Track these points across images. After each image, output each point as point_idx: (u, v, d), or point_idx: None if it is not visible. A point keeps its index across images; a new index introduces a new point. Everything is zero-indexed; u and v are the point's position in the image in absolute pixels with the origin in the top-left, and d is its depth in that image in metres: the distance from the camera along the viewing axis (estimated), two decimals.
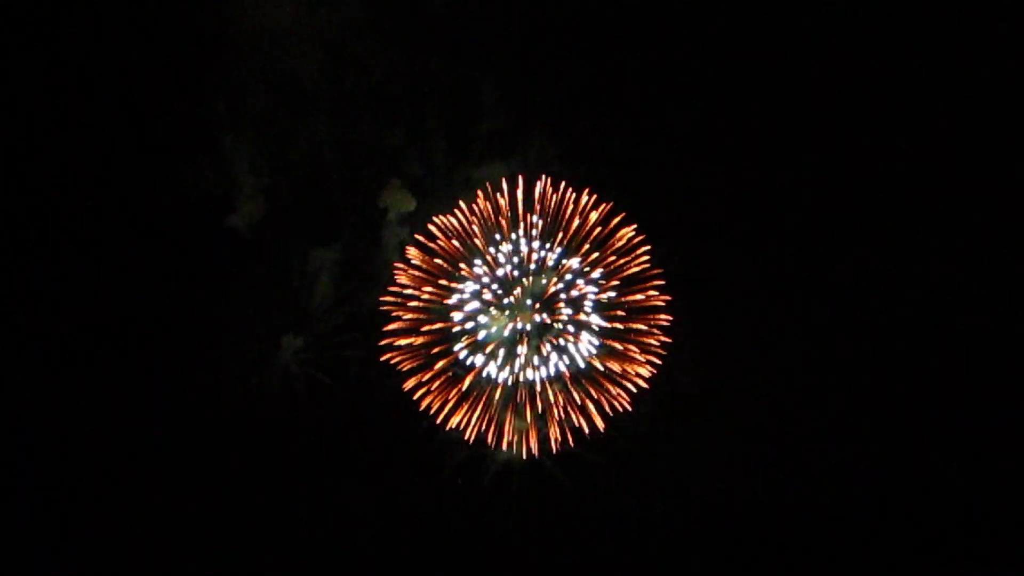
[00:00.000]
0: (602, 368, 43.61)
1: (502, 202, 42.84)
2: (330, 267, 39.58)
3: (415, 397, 42.45)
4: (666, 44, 43.56)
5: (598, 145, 44.36)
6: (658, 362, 43.67)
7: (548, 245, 43.39)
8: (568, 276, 43.55)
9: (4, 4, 32.37)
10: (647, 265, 43.85)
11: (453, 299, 43.33)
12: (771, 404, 45.78)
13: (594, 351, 43.63)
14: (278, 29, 36.03)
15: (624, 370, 43.51)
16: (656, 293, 43.78)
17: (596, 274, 43.61)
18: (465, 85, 39.61)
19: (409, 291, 42.47)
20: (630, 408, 43.63)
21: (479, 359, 42.91)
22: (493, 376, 42.53)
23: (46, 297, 34.14)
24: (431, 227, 42.72)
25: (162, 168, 35.27)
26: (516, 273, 42.99)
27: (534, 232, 43.39)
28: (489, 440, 43.03)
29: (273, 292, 39.00)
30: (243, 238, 37.96)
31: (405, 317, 42.45)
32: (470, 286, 43.04)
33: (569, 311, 43.50)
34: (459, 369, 40.67)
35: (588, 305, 43.73)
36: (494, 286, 42.93)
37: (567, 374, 42.96)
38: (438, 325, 42.43)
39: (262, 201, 37.37)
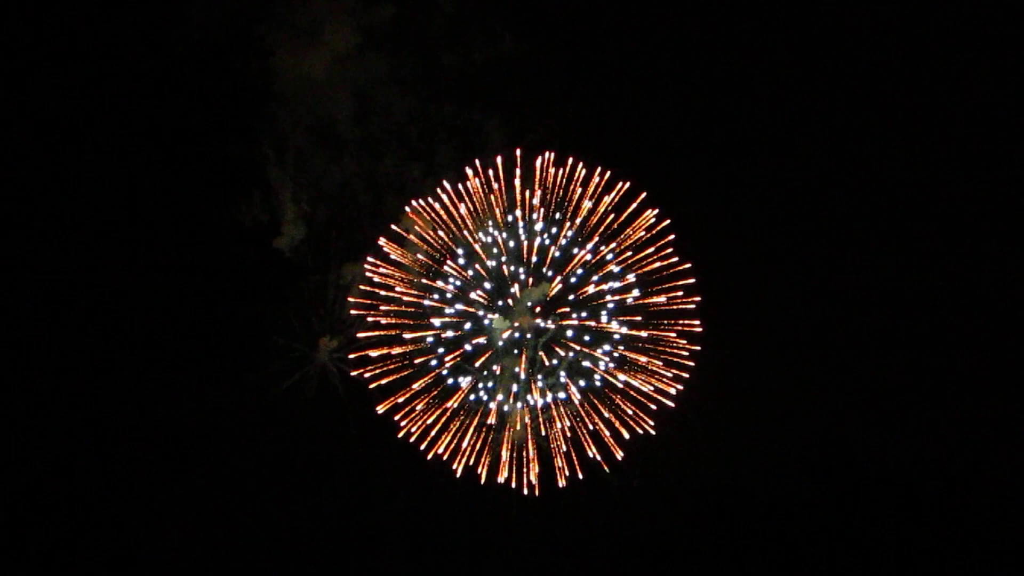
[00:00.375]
0: (620, 385, 41.18)
1: (495, 186, 41.48)
2: (360, 280, 44.38)
3: (395, 418, 41.16)
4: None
5: (612, 123, 44.46)
6: (686, 376, 40.91)
7: (553, 232, 41.45)
8: (579, 271, 41.23)
9: (87, 72, 38.41)
10: (673, 259, 41.13)
11: (434, 298, 41.80)
12: (821, 425, 42.09)
13: (611, 364, 41.16)
14: (315, 83, 43.66)
15: (646, 387, 41.06)
16: (683, 294, 40.97)
17: (613, 269, 41.31)
18: (473, 127, 44.42)
19: (383, 292, 42.05)
20: (653, 432, 40.85)
21: (465, 376, 41.27)
22: (484, 398, 41.33)
23: (126, 305, 40.51)
24: (408, 211, 42.12)
25: (220, 200, 43.10)
26: (512, 267, 41.30)
27: (535, 216, 41.34)
28: (480, 472, 41.04)
29: (312, 301, 44.43)
30: (287, 257, 44.31)
31: (383, 323, 41.82)
32: (454, 283, 41.69)
33: (581, 314, 41.16)
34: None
35: (606, 308, 41.15)
36: (485, 282, 41.55)
37: (576, 395, 41.15)
38: (410, 335, 41.80)
39: (302, 226, 44.01)
